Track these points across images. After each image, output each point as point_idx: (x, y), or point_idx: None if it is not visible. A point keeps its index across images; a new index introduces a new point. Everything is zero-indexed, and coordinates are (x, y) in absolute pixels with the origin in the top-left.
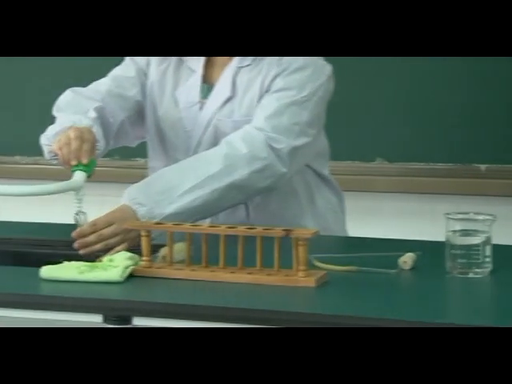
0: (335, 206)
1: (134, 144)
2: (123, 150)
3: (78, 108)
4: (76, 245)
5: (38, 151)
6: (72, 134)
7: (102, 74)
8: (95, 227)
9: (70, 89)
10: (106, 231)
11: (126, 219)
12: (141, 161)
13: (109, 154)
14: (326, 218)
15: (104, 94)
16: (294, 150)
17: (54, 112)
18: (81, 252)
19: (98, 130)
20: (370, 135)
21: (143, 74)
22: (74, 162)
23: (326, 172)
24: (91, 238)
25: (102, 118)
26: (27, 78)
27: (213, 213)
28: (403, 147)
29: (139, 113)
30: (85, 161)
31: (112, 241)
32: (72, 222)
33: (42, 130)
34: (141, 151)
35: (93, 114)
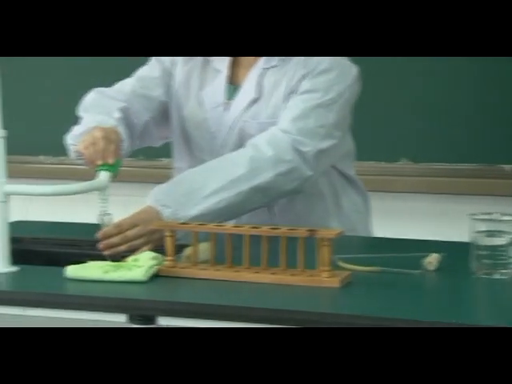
0: (360, 207)
1: (158, 144)
2: (148, 150)
3: (102, 108)
4: (101, 246)
5: (63, 151)
6: (98, 133)
7: (128, 74)
8: (120, 228)
9: (95, 89)
10: (131, 233)
11: (151, 221)
12: (165, 161)
13: (133, 154)
14: (350, 219)
15: (129, 94)
16: (320, 153)
17: (80, 112)
18: (105, 253)
19: (123, 130)
20: (395, 136)
21: (168, 75)
22: (99, 162)
23: (351, 173)
24: (116, 239)
25: (126, 118)
26: (52, 78)
27: (237, 215)
28: (427, 147)
29: (164, 113)
30: (111, 161)
31: (136, 242)
32: (97, 221)
33: (67, 130)
34: (165, 151)
35: (117, 115)
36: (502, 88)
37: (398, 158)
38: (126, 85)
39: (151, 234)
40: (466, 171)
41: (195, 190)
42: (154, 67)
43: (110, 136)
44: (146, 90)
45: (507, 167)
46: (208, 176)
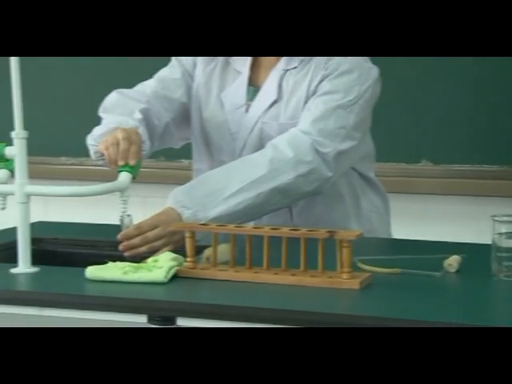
0: (380, 208)
1: (178, 145)
2: (168, 152)
3: (123, 109)
4: (121, 247)
5: (84, 152)
6: (120, 134)
7: (147, 75)
8: (140, 230)
9: (116, 90)
10: (151, 234)
11: (171, 222)
12: (185, 162)
13: (154, 156)
14: (370, 221)
15: (149, 95)
16: (340, 154)
17: (100, 113)
18: (126, 254)
19: (143, 132)
20: (415, 137)
21: (189, 76)
22: (121, 163)
23: (371, 174)
24: (136, 240)
25: (147, 119)
26: (73, 80)
27: (257, 216)
28: (448, 149)
29: (184, 114)
30: (132, 162)
31: (157, 243)
32: (117, 222)
33: (88, 132)
34: (185, 152)
35: (138, 116)
36: None
37: (418, 159)
38: (146, 86)
39: (171, 236)
40: (487, 173)
41: (215, 192)
42: (174, 68)
43: (131, 137)
44: (167, 92)
45: None
46: (228, 177)
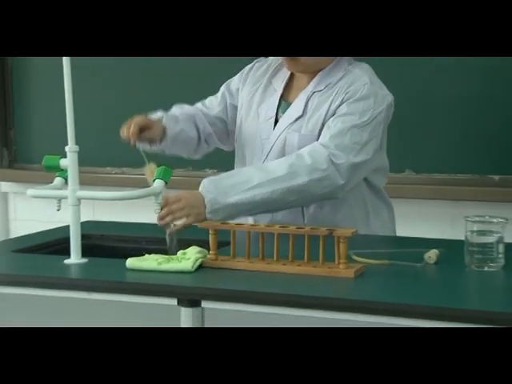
0: (384, 217)
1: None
2: (195, 162)
3: (170, 111)
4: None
5: (125, 163)
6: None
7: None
8: (166, 201)
9: (176, 104)
10: (175, 205)
11: (193, 197)
12: (209, 171)
13: (183, 166)
14: (373, 227)
15: (197, 109)
16: (353, 166)
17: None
18: (159, 223)
19: (170, 121)
20: (401, 150)
21: (229, 95)
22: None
23: (380, 185)
24: (163, 211)
25: (194, 121)
26: (118, 100)
27: (270, 210)
28: (428, 160)
29: (223, 126)
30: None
31: (178, 214)
32: (151, 221)
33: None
34: (209, 163)
35: (176, 112)
36: (487, 111)
37: (402, 169)
38: (197, 104)
39: (191, 208)
40: (461, 180)
41: (238, 184)
42: (220, 90)
43: (138, 122)
44: (208, 110)
45: (496, 177)
46: (252, 174)
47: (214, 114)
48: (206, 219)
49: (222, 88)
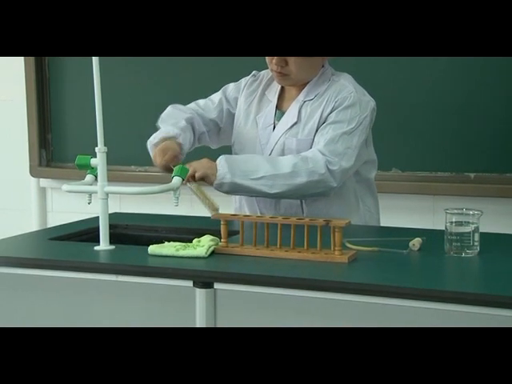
0: (371, 208)
1: (214, 147)
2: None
3: (173, 119)
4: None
5: (147, 162)
6: (156, 149)
7: (203, 92)
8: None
9: (171, 105)
10: (195, 163)
11: (210, 165)
12: None
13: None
14: (364, 218)
15: (193, 110)
16: (344, 170)
17: (158, 123)
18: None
19: (184, 137)
20: (389, 150)
21: (226, 102)
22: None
23: (370, 176)
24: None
25: (191, 124)
26: (143, 104)
27: (266, 197)
28: (412, 160)
29: (216, 128)
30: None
31: (197, 166)
32: (170, 213)
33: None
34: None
35: (183, 124)
36: (464, 116)
37: (389, 167)
38: (193, 104)
39: (207, 169)
40: (442, 178)
41: (247, 171)
42: (216, 96)
43: (167, 147)
44: (204, 112)
45: (472, 175)
46: (261, 165)
47: (209, 116)
48: (212, 184)
49: (219, 94)
